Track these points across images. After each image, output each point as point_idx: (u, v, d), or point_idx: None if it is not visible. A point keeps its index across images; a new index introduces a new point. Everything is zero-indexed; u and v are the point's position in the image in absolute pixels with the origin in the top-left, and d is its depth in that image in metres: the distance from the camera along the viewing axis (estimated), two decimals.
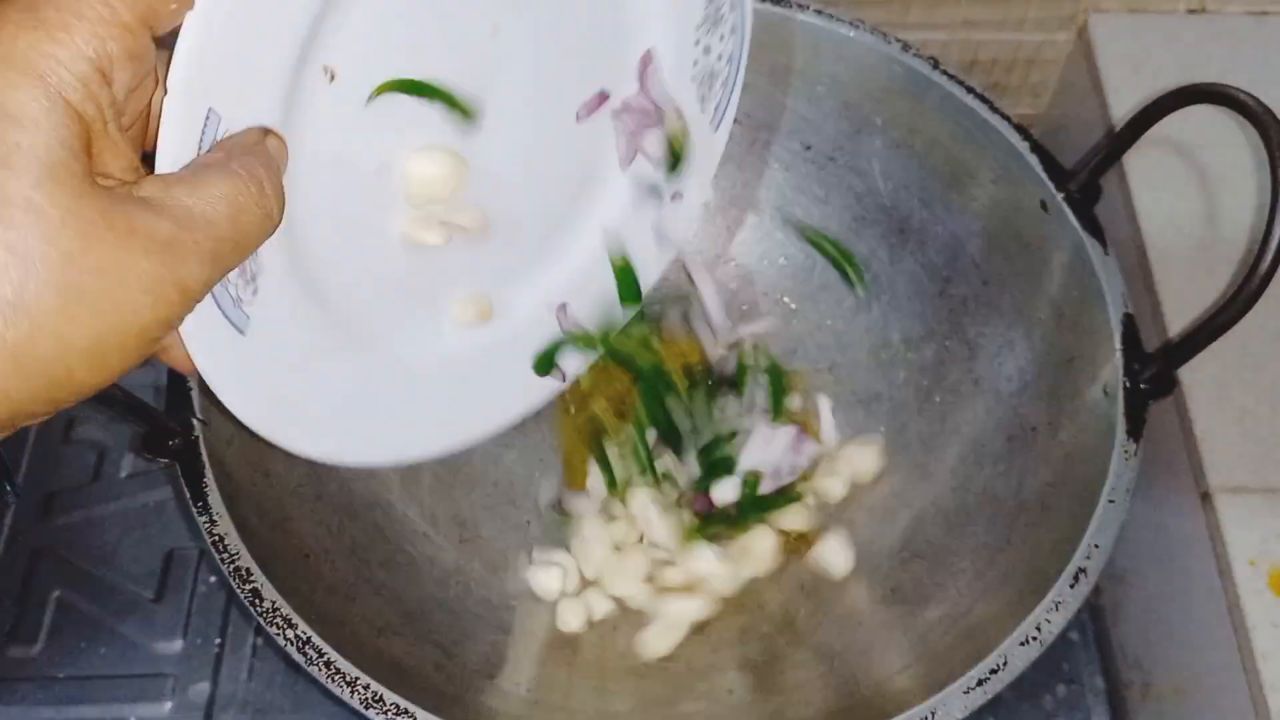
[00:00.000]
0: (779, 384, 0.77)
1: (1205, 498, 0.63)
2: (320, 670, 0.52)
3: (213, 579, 0.75)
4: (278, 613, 0.54)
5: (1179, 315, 0.69)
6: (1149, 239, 0.72)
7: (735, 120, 0.78)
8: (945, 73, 0.71)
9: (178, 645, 0.73)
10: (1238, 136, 0.76)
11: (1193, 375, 0.66)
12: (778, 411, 0.75)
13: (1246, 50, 0.81)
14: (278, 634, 0.53)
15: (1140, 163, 0.75)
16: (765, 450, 0.73)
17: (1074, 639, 0.74)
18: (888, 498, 0.72)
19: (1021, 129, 0.69)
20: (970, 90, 0.70)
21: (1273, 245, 0.54)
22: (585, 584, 0.70)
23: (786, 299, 0.80)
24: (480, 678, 0.62)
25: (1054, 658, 0.72)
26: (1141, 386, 0.60)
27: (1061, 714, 0.71)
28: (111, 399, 0.54)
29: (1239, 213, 0.73)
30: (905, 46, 0.72)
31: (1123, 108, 0.78)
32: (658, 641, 0.67)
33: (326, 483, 0.67)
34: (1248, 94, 0.57)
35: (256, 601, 0.54)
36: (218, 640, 0.73)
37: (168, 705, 0.70)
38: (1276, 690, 0.57)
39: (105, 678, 0.71)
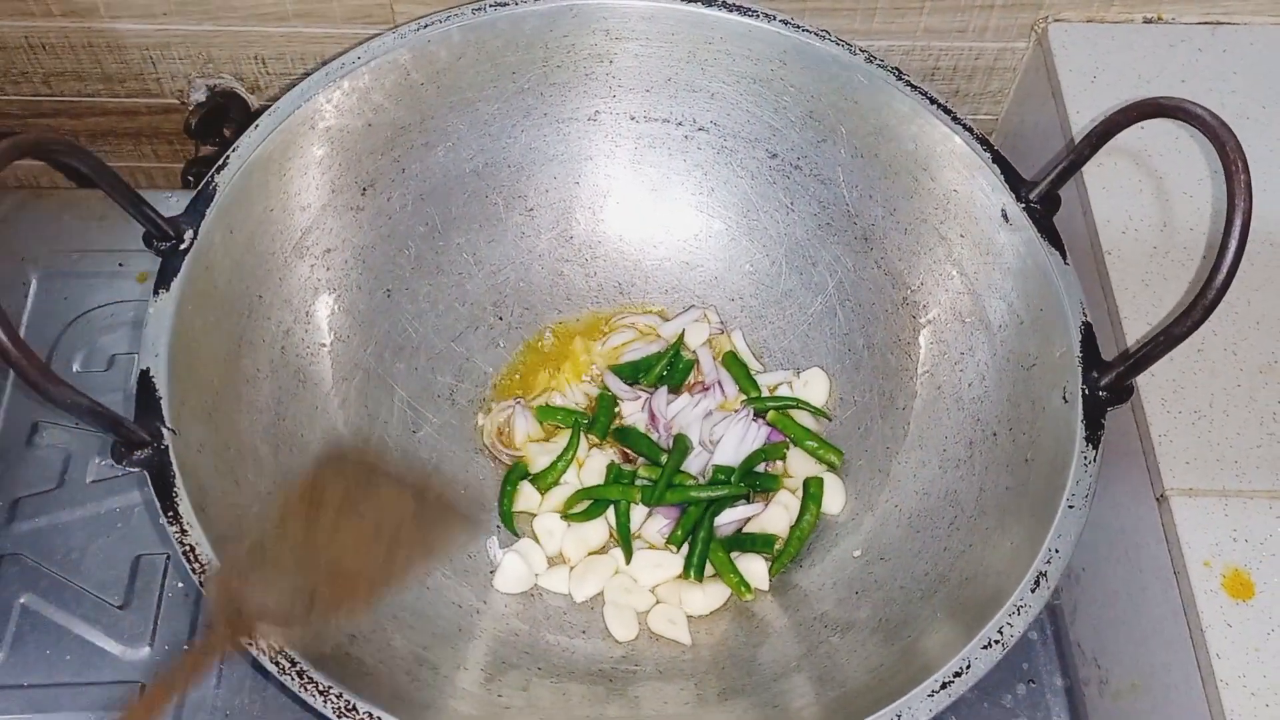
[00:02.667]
0: (742, 368, 0.79)
1: (1161, 500, 0.65)
2: (293, 680, 0.53)
3: (180, 585, 0.74)
4: None
5: (1135, 318, 0.70)
6: (1106, 244, 0.73)
7: (701, 129, 0.80)
8: (909, 83, 0.72)
9: (145, 652, 0.72)
10: (1191, 145, 0.77)
11: (1149, 380, 0.67)
12: (749, 389, 0.77)
13: (1201, 59, 0.83)
14: (249, 644, 0.53)
15: (1097, 169, 0.76)
16: (738, 448, 0.75)
17: (1033, 638, 0.75)
18: (851, 500, 0.73)
19: (984, 140, 0.70)
20: (934, 101, 0.72)
21: (1228, 259, 0.55)
22: (551, 564, 0.73)
23: (754, 304, 0.81)
24: (450, 683, 0.62)
25: (1014, 657, 0.73)
26: (1100, 394, 0.62)
27: (1022, 713, 0.72)
28: (79, 406, 0.54)
29: (1194, 218, 0.75)
30: (870, 58, 0.73)
31: (1080, 114, 0.80)
32: (621, 627, 0.69)
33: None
34: (1205, 109, 0.58)
35: None
36: (185, 647, 0.72)
37: None
38: (1230, 687, 0.58)
39: (72, 685, 0.70)
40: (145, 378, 0.60)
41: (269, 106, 0.70)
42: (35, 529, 0.75)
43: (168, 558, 0.75)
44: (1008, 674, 0.73)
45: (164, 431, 0.58)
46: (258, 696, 0.71)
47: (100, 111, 0.93)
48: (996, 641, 0.55)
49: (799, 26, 0.74)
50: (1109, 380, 0.61)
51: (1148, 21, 0.85)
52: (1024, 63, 0.88)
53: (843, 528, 0.72)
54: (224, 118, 0.88)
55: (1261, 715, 0.57)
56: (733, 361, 0.79)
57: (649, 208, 0.82)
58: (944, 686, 0.54)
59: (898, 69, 0.73)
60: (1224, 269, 0.56)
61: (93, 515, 0.76)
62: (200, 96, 0.88)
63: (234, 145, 0.68)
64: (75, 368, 0.82)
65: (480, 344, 0.79)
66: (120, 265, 0.85)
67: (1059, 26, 0.84)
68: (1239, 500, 0.64)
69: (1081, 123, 0.79)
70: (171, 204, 0.81)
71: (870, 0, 0.83)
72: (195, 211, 0.65)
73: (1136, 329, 0.70)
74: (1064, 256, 0.66)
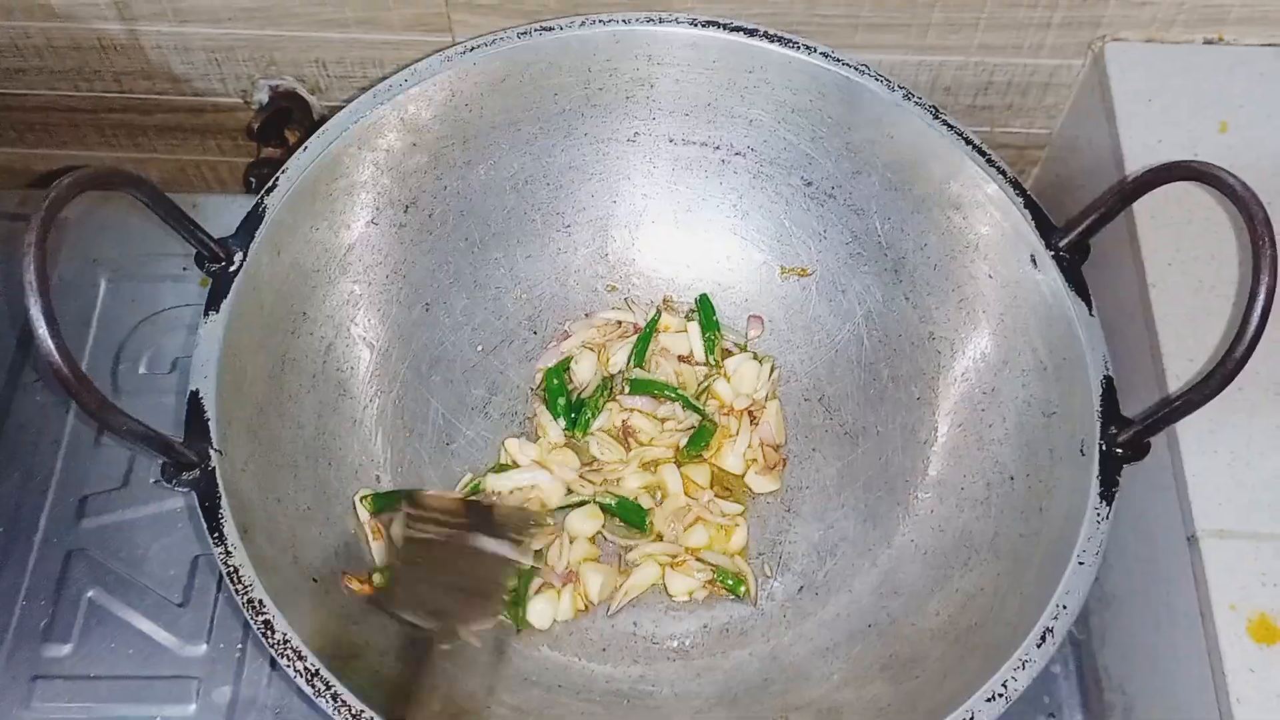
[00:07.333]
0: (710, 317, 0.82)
1: (1191, 540, 0.65)
2: (328, 703, 0.56)
3: None
4: (288, 645, 0.57)
5: (1178, 355, 0.69)
6: (1151, 276, 0.72)
7: (738, 153, 0.81)
8: (945, 122, 0.73)
9: (202, 649, 0.75)
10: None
11: (1187, 418, 0.65)
12: (709, 350, 0.81)
13: (1262, 83, 0.80)
14: (288, 665, 0.57)
15: (1146, 198, 0.74)
16: None
17: (1056, 671, 0.76)
18: (870, 533, 0.75)
19: (1016, 184, 0.71)
20: (969, 142, 0.72)
21: (1249, 333, 0.56)
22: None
23: (783, 328, 0.83)
24: (481, 701, 0.65)
25: (1037, 690, 0.74)
26: (1117, 450, 0.63)
27: None
28: (132, 430, 0.56)
29: (1244, 252, 0.73)
30: (908, 94, 0.74)
31: (1133, 137, 0.79)
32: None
33: (333, 505, 0.69)
34: (1236, 177, 0.59)
35: (269, 633, 0.57)
36: (239, 646, 0.75)
37: (192, 707, 0.73)
38: None
39: (134, 678, 0.73)
40: (195, 399, 0.62)
41: (328, 116, 0.72)
42: (101, 526, 0.78)
43: None
44: (1030, 706, 0.74)
45: (211, 453, 0.61)
46: (307, 696, 0.74)
47: (167, 109, 0.96)
48: (1000, 695, 0.57)
49: (839, 60, 0.75)
50: (1127, 437, 0.63)
51: (1208, 42, 0.83)
52: (1079, 80, 0.87)
53: (860, 560, 0.74)
54: (286, 120, 0.90)
55: None
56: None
57: (684, 228, 0.83)
58: None
59: (935, 107, 0.74)
60: (1245, 341, 0.57)
61: (155, 515, 0.79)
62: (263, 97, 0.91)
63: (283, 167, 0.70)
64: (141, 369, 0.84)
65: (514, 358, 0.81)
66: (184, 269, 0.87)
67: (1116, 45, 0.83)
68: (1271, 544, 0.64)
69: (1133, 146, 0.78)
70: (234, 208, 0.83)
71: (924, 16, 0.83)
72: (245, 233, 0.68)
73: (1177, 366, 0.69)
74: (1089, 308, 0.67)
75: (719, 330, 0.82)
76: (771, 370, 0.81)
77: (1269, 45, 0.83)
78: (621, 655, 0.71)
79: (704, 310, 0.83)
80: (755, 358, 0.81)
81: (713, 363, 0.81)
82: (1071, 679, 0.76)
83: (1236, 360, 0.57)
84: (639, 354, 0.81)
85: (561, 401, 0.79)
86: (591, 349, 0.82)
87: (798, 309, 0.82)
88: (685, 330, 0.82)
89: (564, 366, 0.81)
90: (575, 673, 0.70)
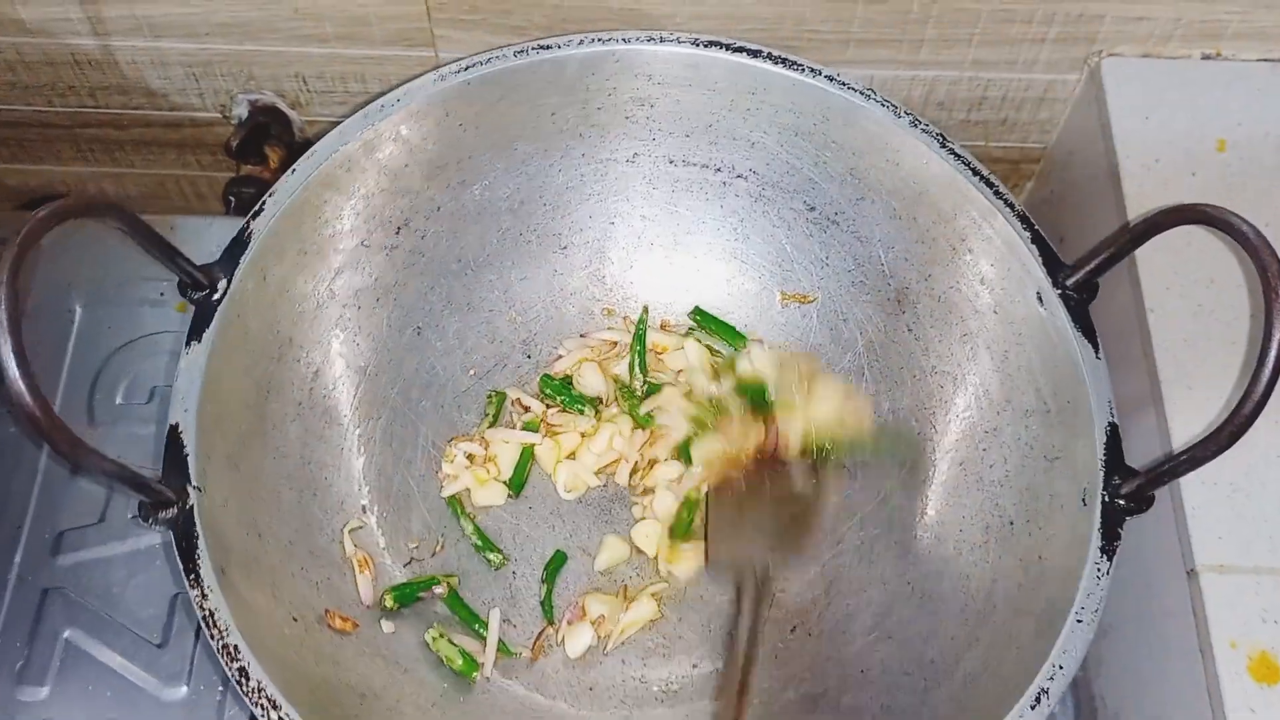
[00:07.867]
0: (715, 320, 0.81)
1: (1191, 574, 0.63)
2: None
3: None
4: (263, 692, 0.56)
5: (1175, 381, 0.68)
6: (1149, 300, 0.71)
7: (740, 176, 0.79)
8: (952, 151, 0.71)
9: (182, 691, 0.72)
10: (1240, 205, 0.74)
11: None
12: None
13: (1261, 99, 0.80)
14: (262, 714, 0.55)
15: (1151, 246, 0.74)
16: None
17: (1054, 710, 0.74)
18: (866, 571, 0.73)
19: (1025, 217, 0.69)
20: (976, 172, 0.70)
21: (1259, 388, 0.54)
22: None
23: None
24: None
25: None
26: (1119, 502, 0.61)
27: None
28: (107, 470, 0.55)
29: (1243, 275, 0.72)
30: (915, 121, 0.72)
31: (1130, 152, 0.77)
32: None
33: (316, 538, 0.68)
34: (1250, 225, 0.57)
35: (243, 680, 0.56)
36: (220, 688, 0.72)
37: None
38: None
39: None
40: (174, 434, 0.61)
41: (309, 132, 0.70)
42: (78, 563, 0.76)
43: None
44: None
45: (190, 491, 0.60)
46: None
47: (144, 123, 0.93)
48: None
49: (844, 84, 0.73)
50: (1131, 489, 0.61)
51: (1206, 58, 0.82)
52: (1075, 96, 0.86)
53: (855, 598, 0.72)
54: (265, 136, 0.88)
55: None
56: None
57: (683, 251, 0.82)
58: None
59: (942, 135, 0.71)
60: (1254, 399, 0.55)
61: (133, 551, 0.76)
62: (242, 111, 0.88)
63: (270, 190, 0.68)
64: (118, 399, 0.81)
65: (507, 383, 0.80)
66: (162, 294, 0.84)
67: (1113, 61, 0.82)
68: (1272, 579, 0.63)
69: (1130, 163, 0.77)
70: (213, 230, 0.82)
71: (917, 32, 0.81)
72: (230, 259, 0.66)
73: (1176, 392, 0.68)
74: (1096, 349, 0.65)
75: (730, 333, 0.81)
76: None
77: (1266, 60, 0.82)
78: (609, 697, 0.70)
79: (704, 320, 0.81)
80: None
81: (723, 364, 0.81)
82: (1069, 714, 0.75)
83: (1245, 417, 0.55)
84: (640, 363, 0.80)
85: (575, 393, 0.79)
86: (591, 360, 0.80)
87: (798, 336, 0.80)
88: (682, 348, 0.81)
89: (565, 380, 0.79)
90: (558, 715, 0.68)
